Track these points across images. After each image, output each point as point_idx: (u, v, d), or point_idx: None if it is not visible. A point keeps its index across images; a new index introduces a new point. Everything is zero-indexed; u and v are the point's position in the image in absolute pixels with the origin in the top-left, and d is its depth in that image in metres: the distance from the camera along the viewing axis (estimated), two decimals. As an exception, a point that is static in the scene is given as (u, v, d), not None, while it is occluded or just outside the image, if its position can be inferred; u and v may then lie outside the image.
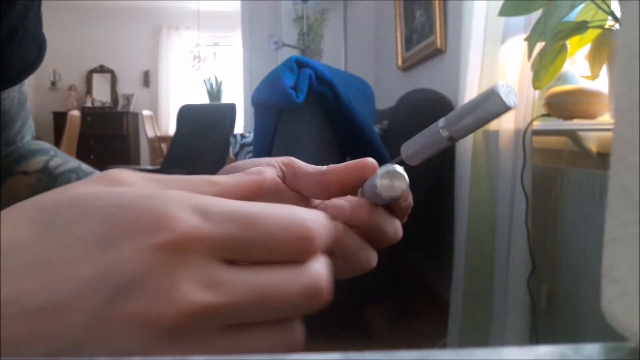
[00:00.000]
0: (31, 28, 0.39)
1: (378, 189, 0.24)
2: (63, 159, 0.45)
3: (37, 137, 0.50)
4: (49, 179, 0.42)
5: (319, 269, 0.19)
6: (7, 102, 0.43)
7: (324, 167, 0.27)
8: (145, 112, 5.55)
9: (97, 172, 0.41)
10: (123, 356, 0.16)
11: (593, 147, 1.05)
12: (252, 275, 0.18)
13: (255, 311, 0.18)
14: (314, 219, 0.19)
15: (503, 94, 0.26)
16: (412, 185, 0.37)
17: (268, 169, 0.25)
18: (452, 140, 0.27)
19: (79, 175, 0.42)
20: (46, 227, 0.17)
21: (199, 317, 0.16)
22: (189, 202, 0.17)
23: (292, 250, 0.18)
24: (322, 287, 0.19)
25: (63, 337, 0.16)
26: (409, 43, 2.57)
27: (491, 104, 0.26)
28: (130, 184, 0.20)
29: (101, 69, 6.22)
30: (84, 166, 0.45)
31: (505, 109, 0.26)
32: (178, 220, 0.17)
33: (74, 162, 0.46)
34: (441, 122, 0.27)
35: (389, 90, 2.99)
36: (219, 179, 0.22)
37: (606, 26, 0.92)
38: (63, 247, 0.17)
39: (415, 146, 0.28)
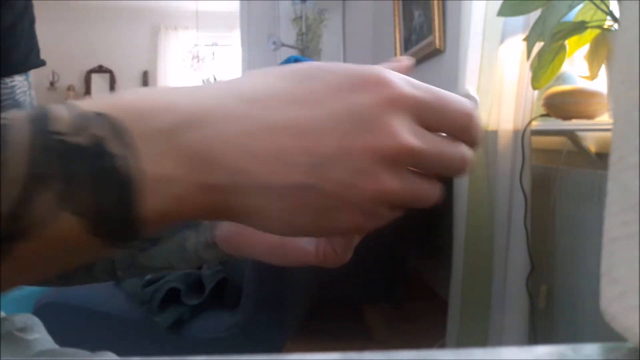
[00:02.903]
0: (26, 31, 0.44)
1: None
2: None
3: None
4: None
5: (468, 152, 0.25)
6: (21, 95, 0.45)
7: None
8: (144, 112, 5.55)
9: None
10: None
11: (592, 147, 1.05)
12: (438, 139, 0.23)
13: (435, 164, 0.23)
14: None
15: None
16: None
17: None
18: None
19: None
20: (294, 79, 0.22)
21: (407, 156, 0.22)
22: (401, 76, 0.23)
23: (460, 122, 0.24)
24: (466, 163, 0.24)
25: (319, 151, 0.21)
26: (407, 43, 2.57)
27: None
28: None
29: (100, 69, 6.21)
30: None
31: None
32: (399, 84, 0.22)
33: None
34: None
35: (387, 90, 2.99)
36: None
37: (605, 26, 0.92)
38: (315, 90, 0.22)
39: None
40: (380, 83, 0.22)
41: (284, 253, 0.34)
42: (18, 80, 0.45)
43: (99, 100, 0.20)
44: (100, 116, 0.19)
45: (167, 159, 0.20)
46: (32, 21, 0.45)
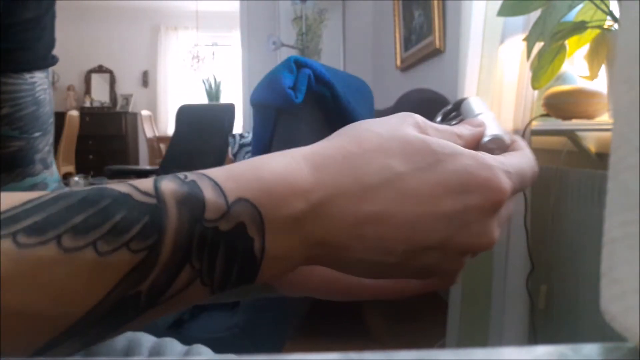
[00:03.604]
0: (49, 26, 0.43)
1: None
2: None
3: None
4: None
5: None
6: (41, 93, 0.43)
7: (457, 130, 0.30)
8: (144, 112, 5.55)
9: None
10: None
11: (592, 147, 1.05)
12: (507, 214, 0.26)
13: None
14: None
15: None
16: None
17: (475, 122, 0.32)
18: None
19: None
20: (413, 164, 0.24)
21: (489, 248, 0.25)
22: (501, 167, 0.25)
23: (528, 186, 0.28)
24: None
25: (420, 244, 0.23)
26: (407, 43, 2.57)
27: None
28: (428, 131, 0.27)
29: (100, 69, 6.21)
30: None
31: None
32: (504, 185, 0.24)
33: None
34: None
35: (387, 90, 2.99)
36: (462, 131, 0.29)
37: (605, 26, 0.92)
38: (431, 186, 0.23)
39: None
40: (490, 187, 0.24)
41: (339, 292, 0.33)
42: (39, 76, 0.43)
43: (240, 179, 0.22)
44: (243, 203, 0.21)
45: (288, 241, 0.22)
46: (53, 16, 0.44)
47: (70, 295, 0.18)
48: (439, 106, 1.63)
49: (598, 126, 0.98)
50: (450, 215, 0.23)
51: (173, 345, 0.45)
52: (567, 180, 1.06)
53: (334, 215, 0.23)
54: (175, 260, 0.19)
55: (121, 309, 0.19)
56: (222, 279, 0.21)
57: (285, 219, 0.22)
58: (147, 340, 0.45)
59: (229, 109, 3.37)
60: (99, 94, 6.19)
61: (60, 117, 5.40)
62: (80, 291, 0.18)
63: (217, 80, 5.97)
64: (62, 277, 0.17)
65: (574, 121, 1.01)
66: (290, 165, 0.23)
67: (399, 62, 2.74)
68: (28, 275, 0.17)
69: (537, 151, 1.35)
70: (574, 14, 0.97)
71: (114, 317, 0.19)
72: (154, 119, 5.93)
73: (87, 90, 6.20)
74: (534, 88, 1.02)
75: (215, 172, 0.22)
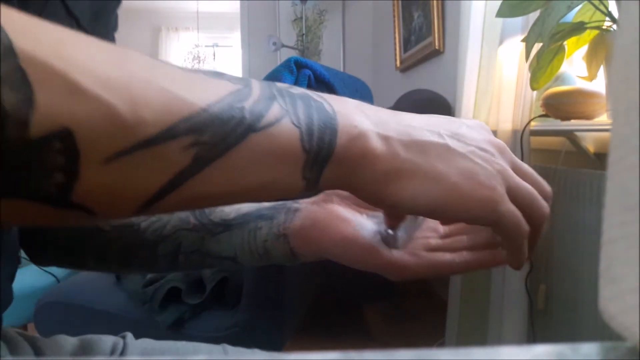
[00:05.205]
0: None
1: None
2: None
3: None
4: None
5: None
6: None
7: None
8: (144, 113, 5.54)
9: None
10: None
11: (590, 148, 1.05)
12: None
13: (525, 195, 0.33)
14: None
15: None
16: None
17: None
18: None
19: None
20: (469, 130, 0.32)
21: (506, 172, 0.32)
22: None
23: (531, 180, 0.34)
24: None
25: (459, 129, 0.31)
26: (407, 44, 2.57)
27: None
28: None
29: (99, 70, 6.20)
30: None
31: None
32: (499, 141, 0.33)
33: None
34: None
35: (387, 91, 2.99)
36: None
37: (604, 27, 0.92)
38: (476, 140, 0.31)
39: None
40: (500, 147, 0.32)
41: (355, 251, 0.36)
42: None
43: None
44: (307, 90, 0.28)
45: (350, 107, 0.28)
46: None
47: (189, 91, 0.23)
48: (438, 106, 1.62)
49: (597, 126, 0.99)
50: (473, 127, 0.32)
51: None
52: (565, 180, 1.06)
53: (394, 118, 0.30)
54: (264, 94, 0.26)
55: (230, 117, 0.24)
56: (309, 125, 0.26)
57: (346, 102, 0.29)
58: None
59: (229, 109, 3.36)
60: (99, 94, 6.18)
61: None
62: (198, 90, 0.23)
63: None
64: (187, 79, 0.23)
65: (573, 121, 1.01)
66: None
67: (398, 63, 2.74)
68: (162, 68, 0.23)
69: (536, 151, 1.35)
70: (573, 15, 0.97)
71: (226, 123, 0.23)
72: (153, 119, 5.92)
73: (87, 91, 6.19)
74: (533, 89, 1.02)
75: None
